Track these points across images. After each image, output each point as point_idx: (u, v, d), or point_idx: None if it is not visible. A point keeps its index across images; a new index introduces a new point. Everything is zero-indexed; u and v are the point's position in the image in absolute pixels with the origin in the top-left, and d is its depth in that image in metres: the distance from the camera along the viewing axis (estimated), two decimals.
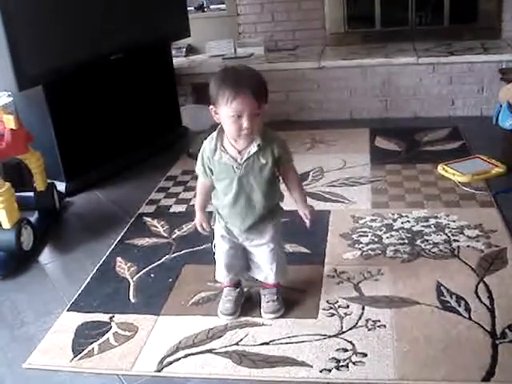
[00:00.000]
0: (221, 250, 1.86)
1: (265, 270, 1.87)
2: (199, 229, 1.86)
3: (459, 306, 1.86)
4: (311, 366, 1.66)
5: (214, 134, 1.71)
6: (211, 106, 1.65)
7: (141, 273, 2.23)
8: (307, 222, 1.82)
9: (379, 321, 1.82)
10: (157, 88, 3.55)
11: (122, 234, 2.55)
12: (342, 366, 1.65)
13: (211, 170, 1.74)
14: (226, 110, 1.59)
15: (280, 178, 1.80)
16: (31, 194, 2.71)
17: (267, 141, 1.68)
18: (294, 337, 1.79)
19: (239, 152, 1.68)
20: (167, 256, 2.33)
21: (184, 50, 4.48)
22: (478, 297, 1.89)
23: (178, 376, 1.68)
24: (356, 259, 2.19)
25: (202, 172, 1.76)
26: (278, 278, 1.89)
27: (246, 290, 2.02)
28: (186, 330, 1.87)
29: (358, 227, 2.42)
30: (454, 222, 2.40)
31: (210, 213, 1.86)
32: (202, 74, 3.93)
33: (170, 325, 1.91)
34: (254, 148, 1.67)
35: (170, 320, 1.93)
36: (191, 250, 2.34)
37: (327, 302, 1.94)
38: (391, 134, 3.49)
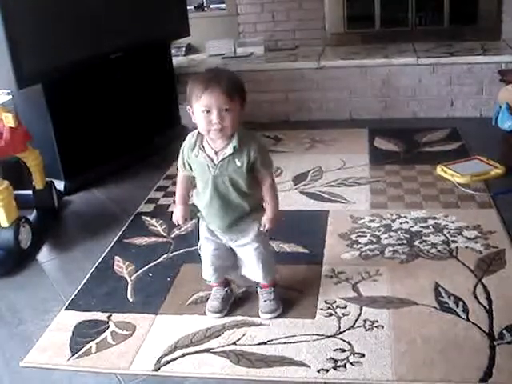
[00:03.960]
0: (206, 251, 1.86)
1: (252, 269, 1.86)
2: (180, 222, 1.84)
3: (457, 306, 1.86)
4: (309, 366, 1.66)
5: (196, 130, 1.71)
6: (188, 107, 1.67)
7: (139, 272, 2.22)
8: (265, 226, 1.79)
9: (377, 321, 1.82)
10: (156, 87, 3.55)
11: (120, 232, 2.55)
12: (340, 366, 1.65)
13: (190, 165, 1.75)
14: (197, 106, 1.62)
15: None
16: (30, 192, 2.71)
17: (244, 143, 1.67)
18: (291, 337, 1.79)
19: (216, 153, 1.69)
20: (165, 255, 2.33)
21: (183, 49, 4.47)
22: (476, 298, 1.89)
23: (176, 375, 1.68)
24: (354, 259, 2.19)
25: (182, 165, 1.77)
26: (266, 277, 1.87)
27: (243, 289, 2.02)
28: (183, 329, 1.87)
29: (357, 227, 2.42)
30: (453, 222, 2.40)
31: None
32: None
33: (168, 324, 1.90)
34: (229, 150, 1.67)
35: (168, 319, 1.93)
36: (189, 249, 2.34)
37: (325, 302, 1.94)
38: (390, 134, 3.49)
